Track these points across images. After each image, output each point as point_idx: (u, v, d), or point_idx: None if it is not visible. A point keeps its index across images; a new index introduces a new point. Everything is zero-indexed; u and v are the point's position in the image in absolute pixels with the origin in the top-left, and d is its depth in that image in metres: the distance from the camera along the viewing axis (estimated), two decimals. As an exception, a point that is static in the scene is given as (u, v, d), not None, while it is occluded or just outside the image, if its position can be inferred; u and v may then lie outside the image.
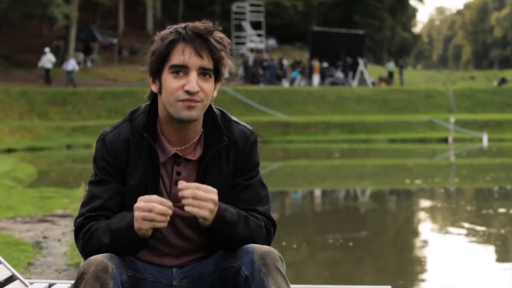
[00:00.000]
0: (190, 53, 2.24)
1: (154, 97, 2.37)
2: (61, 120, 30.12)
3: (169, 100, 2.26)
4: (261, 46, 47.12)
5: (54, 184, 13.16)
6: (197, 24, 2.28)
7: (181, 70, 2.25)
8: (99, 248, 2.22)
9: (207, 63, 2.26)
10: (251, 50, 45.94)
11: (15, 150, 24.09)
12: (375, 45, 63.56)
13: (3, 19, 40.94)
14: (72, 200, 10.14)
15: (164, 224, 2.16)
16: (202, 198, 2.17)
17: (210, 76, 2.28)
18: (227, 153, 2.37)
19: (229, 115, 2.44)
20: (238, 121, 2.45)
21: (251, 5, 49.19)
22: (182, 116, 2.26)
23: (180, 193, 2.18)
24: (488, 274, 6.21)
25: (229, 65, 2.33)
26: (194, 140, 2.36)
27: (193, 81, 2.24)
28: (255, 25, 48.60)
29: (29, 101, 30.59)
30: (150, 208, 2.14)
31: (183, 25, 2.29)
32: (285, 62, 41.95)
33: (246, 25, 47.63)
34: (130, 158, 2.33)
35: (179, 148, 2.35)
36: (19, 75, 36.42)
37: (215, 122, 2.37)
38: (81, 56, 42.53)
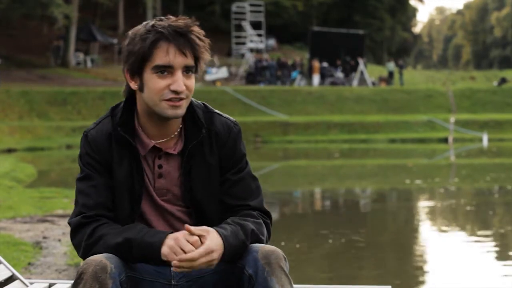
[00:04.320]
0: (175, 53, 2.24)
1: (130, 93, 2.37)
2: (61, 120, 30.12)
3: (153, 100, 2.27)
4: (261, 46, 47.10)
5: (54, 184, 13.16)
6: (176, 22, 2.27)
7: (165, 70, 2.25)
8: (104, 250, 2.22)
9: (190, 61, 2.27)
10: (251, 50, 45.93)
11: (15, 150, 24.09)
12: (375, 45, 63.55)
13: (3, 19, 40.93)
14: (72, 200, 10.13)
15: (184, 271, 2.19)
16: (208, 262, 2.17)
17: (192, 72, 2.30)
18: (210, 145, 2.38)
19: (212, 108, 2.44)
20: (221, 113, 2.45)
21: (251, 5, 49.16)
22: (168, 114, 2.27)
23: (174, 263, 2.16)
24: (488, 274, 6.21)
25: (208, 59, 2.33)
26: (175, 133, 2.36)
27: (179, 80, 2.24)
28: (255, 25, 48.57)
29: (29, 101, 30.60)
30: (192, 258, 2.14)
31: (162, 22, 2.26)
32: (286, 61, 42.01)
33: (246, 25, 47.60)
34: (114, 153, 2.34)
35: (158, 142, 2.35)
36: (19, 75, 36.43)
37: (194, 115, 2.37)
38: (81, 56, 42.53)
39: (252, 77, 39.92)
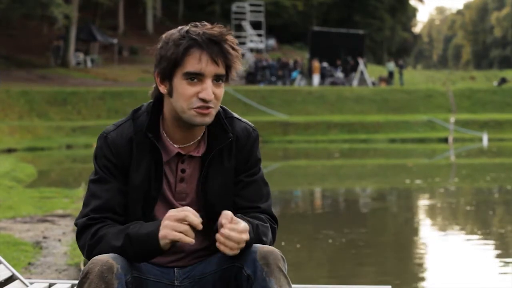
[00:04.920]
0: (207, 61, 2.23)
1: (158, 96, 2.36)
2: (61, 120, 30.13)
3: (181, 106, 2.26)
4: (261, 46, 47.15)
5: (54, 184, 13.16)
6: (210, 29, 2.25)
7: (195, 77, 2.24)
8: (108, 251, 2.21)
9: (221, 70, 2.26)
10: (251, 50, 45.95)
11: (15, 150, 24.09)
12: (375, 45, 63.57)
13: (3, 19, 40.94)
14: (72, 200, 10.14)
15: (191, 240, 2.14)
16: (236, 240, 2.15)
17: (222, 81, 2.29)
18: (229, 150, 2.38)
19: (231, 111, 2.45)
20: (240, 117, 2.46)
21: (251, 5, 49.21)
22: (196, 122, 2.26)
23: (221, 231, 2.15)
24: (488, 274, 6.21)
25: (239, 68, 2.33)
26: (199, 137, 2.36)
27: (209, 89, 2.23)
28: (255, 25, 48.63)
29: (29, 101, 30.60)
30: (183, 218, 2.14)
31: (197, 29, 2.25)
32: (290, 62, 41.96)
33: (246, 25, 47.66)
34: (133, 157, 2.33)
35: (182, 146, 2.35)
36: (19, 75, 36.44)
37: (219, 119, 2.37)
38: (81, 56, 42.55)
39: (252, 77, 39.94)
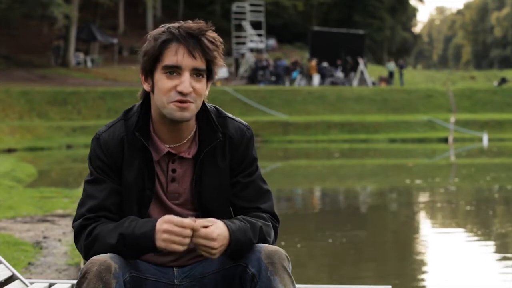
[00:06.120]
0: (184, 53, 2.24)
1: (146, 96, 2.38)
2: (61, 120, 30.12)
3: (161, 101, 2.27)
4: (261, 46, 47.12)
5: (54, 184, 13.16)
6: (190, 24, 2.28)
7: (174, 70, 2.25)
8: (103, 250, 2.22)
9: (200, 64, 2.26)
10: (251, 50, 45.93)
11: (15, 150, 24.09)
12: (375, 45, 63.57)
13: (3, 19, 40.94)
14: (72, 200, 10.13)
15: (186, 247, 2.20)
16: (212, 246, 2.19)
17: (203, 76, 2.29)
18: (223, 150, 2.38)
19: (224, 111, 2.44)
20: (234, 117, 2.45)
21: (251, 5, 49.18)
22: (175, 116, 2.26)
23: (194, 240, 2.19)
24: (488, 274, 6.21)
25: (222, 65, 2.33)
26: (189, 137, 2.36)
27: (186, 82, 2.24)
28: (255, 25, 48.59)
29: (29, 101, 30.60)
30: (187, 235, 2.16)
31: (176, 24, 2.29)
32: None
33: (246, 25, 47.63)
34: (125, 157, 2.34)
35: (172, 146, 2.35)
36: (20, 75, 36.43)
37: (209, 119, 2.37)
38: (81, 56, 42.55)
39: (252, 77, 39.93)
